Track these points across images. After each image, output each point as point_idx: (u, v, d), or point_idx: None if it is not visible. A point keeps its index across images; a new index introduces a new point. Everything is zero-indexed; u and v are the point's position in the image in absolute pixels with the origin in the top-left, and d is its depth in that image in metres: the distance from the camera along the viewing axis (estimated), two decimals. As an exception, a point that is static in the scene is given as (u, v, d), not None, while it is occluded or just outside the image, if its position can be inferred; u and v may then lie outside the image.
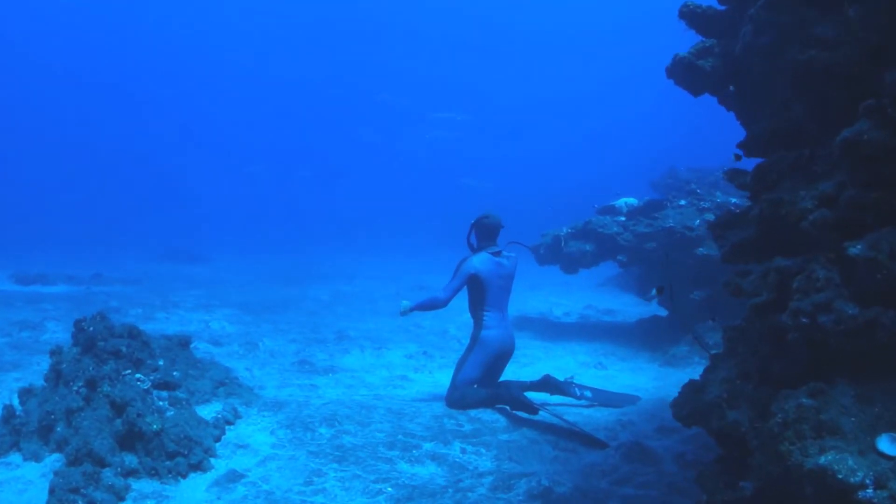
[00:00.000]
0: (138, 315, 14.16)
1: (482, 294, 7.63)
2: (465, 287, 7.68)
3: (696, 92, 6.34)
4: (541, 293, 18.47)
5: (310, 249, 33.64)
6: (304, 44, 69.25)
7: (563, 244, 13.54)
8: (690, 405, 4.57)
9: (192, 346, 11.26)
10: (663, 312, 13.38)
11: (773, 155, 4.77)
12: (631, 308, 16.84)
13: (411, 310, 7.63)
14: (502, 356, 7.71)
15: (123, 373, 6.28)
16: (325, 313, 15.45)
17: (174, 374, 6.66)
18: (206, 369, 7.56)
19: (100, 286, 19.09)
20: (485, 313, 7.63)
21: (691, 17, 6.11)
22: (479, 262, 7.64)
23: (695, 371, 10.54)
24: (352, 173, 60.69)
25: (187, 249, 30.02)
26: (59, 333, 11.73)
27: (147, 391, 6.13)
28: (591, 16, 64.51)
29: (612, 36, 64.88)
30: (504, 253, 7.90)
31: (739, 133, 5.80)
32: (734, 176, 5.33)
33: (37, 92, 62.40)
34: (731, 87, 6.03)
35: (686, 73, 6.16)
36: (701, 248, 11.81)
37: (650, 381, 9.88)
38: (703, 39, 6.16)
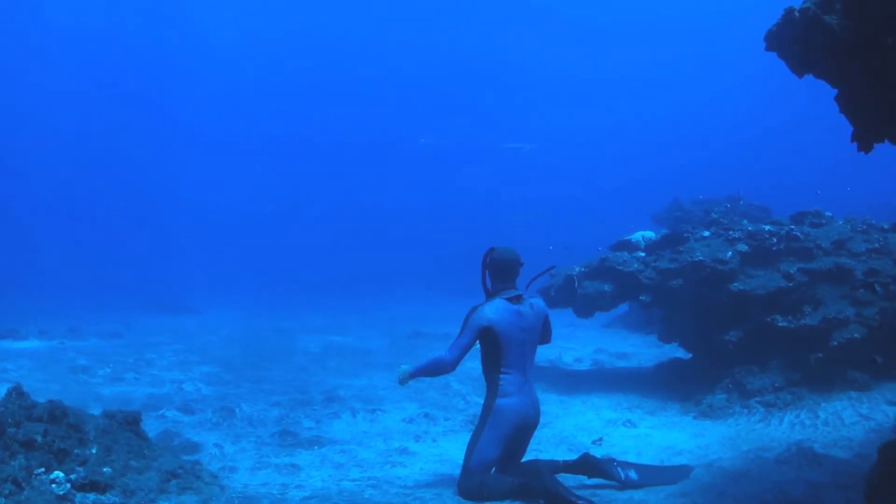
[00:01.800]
0: (106, 375, 12.97)
1: (497, 351, 5.95)
2: (478, 343, 6.08)
3: (803, 69, 4.85)
4: (546, 337, 17.06)
5: (310, 296, 32.36)
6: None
7: (576, 284, 12.24)
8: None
9: (160, 413, 10.06)
10: (682, 354, 12.36)
11: None
12: (644, 350, 15.81)
13: (412, 376, 6.09)
14: (524, 429, 6.05)
15: (36, 471, 4.84)
16: (315, 368, 14.05)
17: (105, 469, 5.20)
18: (154, 456, 6.06)
19: (74, 341, 17.82)
20: (500, 376, 5.94)
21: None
22: (493, 311, 5.97)
23: (737, 422, 9.25)
24: (374, 216, 59.29)
25: (174, 300, 28.65)
26: (10, 401, 10.26)
27: (65, 497, 4.69)
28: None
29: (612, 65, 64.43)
30: (526, 298, 6.27)
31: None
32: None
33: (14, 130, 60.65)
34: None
35: (805, 36, 4.57)
36: (735, 284, 10.52)
37: (690, 438, 8.61)
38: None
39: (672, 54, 62.83)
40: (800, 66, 4.81)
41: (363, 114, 67.99)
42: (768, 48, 4.97)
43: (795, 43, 4.68)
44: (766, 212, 18.77)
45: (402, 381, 6.18)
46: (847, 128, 4.61)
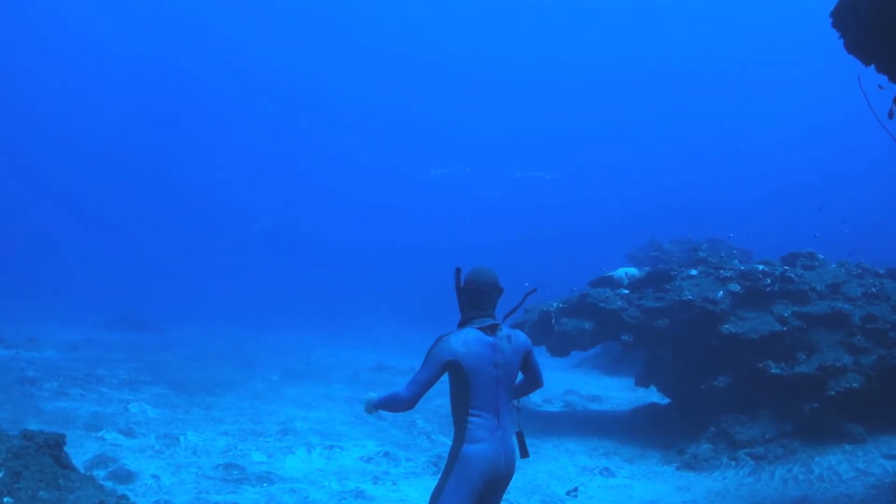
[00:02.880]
0: (52, 390, 12.20)
1: (465, 390, 4.98)
2: (448, 378, 5.19)
3: (872, 54, 4.11)
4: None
5: (278, 319, 31.46)
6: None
7: (553, 321, 11.54)
8: None
9: (100, 434, 9.25)
10: (658, 398, 11.85)
11: None
12: (617, 393, 15.24)
13: (376, 407, 5.24)
14: (493, 483, 5.06)
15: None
16: (272, 397, 13.22)
17: (6, 500, 4.40)
18: (72, 488, 5.25)
19: (30, 351, 17.20)
20: (469, 418, 4.99)
21: None
22: (460, 342, 4.98)
23: (724, 476, 8.47)
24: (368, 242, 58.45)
25: (140, 316, 27.92)
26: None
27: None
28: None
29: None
30: (504, 330, 5.38)
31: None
32: None
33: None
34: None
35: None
36: (726, 326, 9.92)
37: (675, 492, 7.97)
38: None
39: (649, 99, 63.37)
40: (868, 53, 4.07)
41: (352, 142, 67.97)
42: (835, 24, 4.27)
43: (877, 17, 3.87)
44: (747, 255, 18.35)
45: (369, 411, 5.34)
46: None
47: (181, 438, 9.26)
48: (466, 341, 4.92)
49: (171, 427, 9.96)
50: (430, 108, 68.90)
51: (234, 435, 9.81)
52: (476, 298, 5.17)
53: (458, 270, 5.26)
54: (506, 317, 5.41)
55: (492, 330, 5.07)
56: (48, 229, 54.15)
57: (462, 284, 5.25)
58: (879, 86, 4.14)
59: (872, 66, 4.27)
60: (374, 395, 5.27)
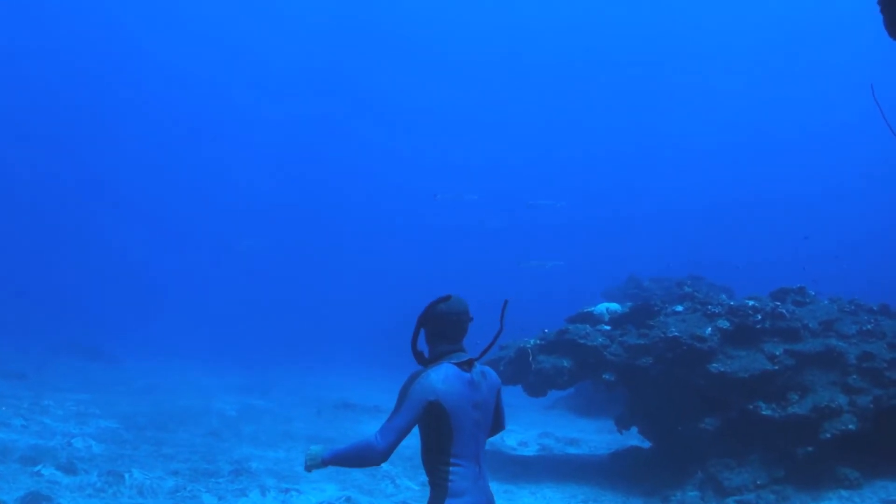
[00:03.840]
0: (-8, 419, 11.55)
1: (446, 434, 4.20)
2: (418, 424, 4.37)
3: None
4: (483, 417, 15.79)
5: (239, 351, 30.69)
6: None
7: (530, 359, 11.00)
8: None
9: (37, 469, 8.69)
10: (638, 442, 11.34)
11: None
12: (594, 436, 14.64)
13: (325, 463, 4.35)
14: None
15: None
16: (227, 434, 12.57)
17: None
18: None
19: None
20: (450, 468, 4.21)
21: None
22: (441, 380, 4.20)
23: (711, 524, 8.16)
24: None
25: (94, 344, 27.04)
26: None
27: None
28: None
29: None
30: (478, 366, 4.57)
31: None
32: None
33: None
34: None
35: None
36: (715, 364, 9.42)
37: (661, 543, 7.34)
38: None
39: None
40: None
41: (323, 170, 67.55)
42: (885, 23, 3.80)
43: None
44: (728, 292, 18.00)
45: (310, 469, 4.45)
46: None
47: (126, 476, 8.65)
48: (447, 378, 4.13)
49: (117, 464, 9.35)
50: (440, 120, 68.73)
51: (184, 474, 9.20)
52: (450, 329, 4.35)
53: (437, 301, 4.52)
54: (482, 353, 4.63)
55: (468, 366, 4.31)
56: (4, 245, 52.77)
57: (430, 314, 4.45)
58: None
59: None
60: (317, 449, 4.34)
